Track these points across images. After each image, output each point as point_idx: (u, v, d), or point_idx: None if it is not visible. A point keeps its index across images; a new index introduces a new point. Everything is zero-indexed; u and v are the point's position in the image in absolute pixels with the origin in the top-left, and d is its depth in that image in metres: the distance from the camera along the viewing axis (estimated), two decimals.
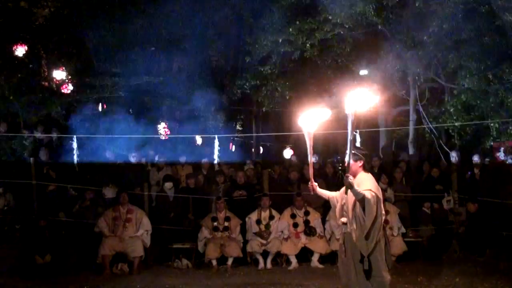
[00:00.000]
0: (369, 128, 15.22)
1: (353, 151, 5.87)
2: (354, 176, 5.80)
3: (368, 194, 5.59)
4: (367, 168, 5.96)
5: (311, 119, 5.85)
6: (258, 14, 15.34)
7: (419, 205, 11.26)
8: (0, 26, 14.83)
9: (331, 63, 14.92)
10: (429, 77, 14.66)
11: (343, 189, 5.84)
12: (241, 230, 10.67)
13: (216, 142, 13.46)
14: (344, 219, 5.89)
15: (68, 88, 16.02)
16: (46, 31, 15.35)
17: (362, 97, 5.60)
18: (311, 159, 6.05)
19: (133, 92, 15.72)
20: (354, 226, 5.73)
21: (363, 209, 5.63)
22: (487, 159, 12.61)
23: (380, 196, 5.74)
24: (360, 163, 5.88)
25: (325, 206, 10.64)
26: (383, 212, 5.77)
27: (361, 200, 5.63)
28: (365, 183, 5.74)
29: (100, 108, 16.72)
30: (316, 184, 6.07)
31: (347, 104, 5.63)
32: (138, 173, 11.93)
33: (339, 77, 15.17)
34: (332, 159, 13.24)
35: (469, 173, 11.72)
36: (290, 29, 14.24)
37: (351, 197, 5.73)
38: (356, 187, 5.62)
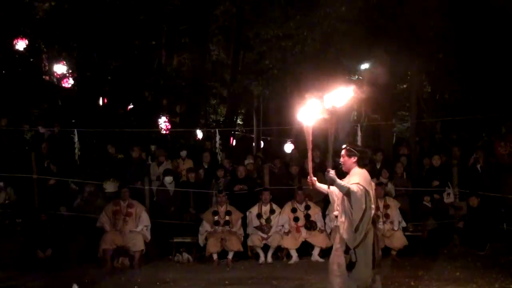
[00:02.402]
0: (369, 122, 15.23)
1: (348, 147, 5.94)
2: (349, 171, 5.88)
3: (354, 187, 5.63)
4: (362, 163, 5.93)
5: (309, 114, 5.85)
6: (259, 9, 15.30)
7: (420, 199, 11.27)
8: (1, 20, 14.79)
9: (332, 58, 14.87)
10: (429, 71, 14.64)
11: None
12: (242, 224, 10.69)
13: (217, 136, 13.44)
14: (336, 213, 5.99)
15: (68, 82, 16.02)
16: (46, 25, 15.31)
17: (340, 95, 5.69)
18: (311, 153, 6.05)
19: (133, 86, 15.70)
20: (343, 219, 5.79)
21: (351, 202, 5.68)
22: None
23: (370, 189, 5.76)
24: (354, 159, 5.89)
25: (325, 200, 10.65)
26: (373, 206, 5.77)
27: (346, 193, 5.68)
28: (355, 177, 5.78)
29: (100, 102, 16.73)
30: (315, 178, 6.08)
31: (325, 103, 5.71)
32: (139, 167, 11.92)
33: (340, 71, 15.15)
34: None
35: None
36: (291, 24, 14.21)
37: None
38: (340, 181, 5.70)
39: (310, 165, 6.08)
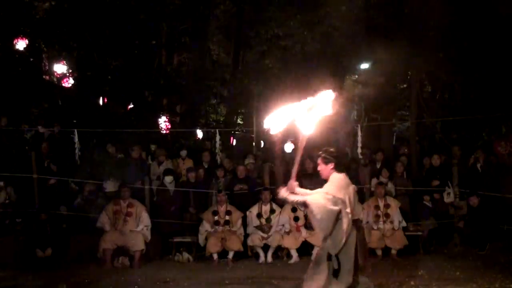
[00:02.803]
0: (369, 122, 15.22)
1: (323, 155, 5.76)
2: (327, 179, 5.71)
3: (310, 199, 5.54)
4: (340, 169, 5.74)
5: (308, 122, 5.67)
6: (259, 8, 15.30)
7: (420, 198, 11.27)
8: (1, 19, 14.79)
9: (332, 57, 14.87)
10: (429, 71, 14.63)
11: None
12: (242, 224, 10.68)
13: (217, 136, 13.44)
14: None
15: (69, 82, 16.02)
16: (47, 24, 15.32)
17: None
18: (299, 158, 5.86)
19: (133, 86, 15.70)
20: None
21: (313, 213, 5.57)
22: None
23: (347, 194, 5.54)
24: (331, 165, 5.71)
25: None
26: (348, 210, 5.51)
27: (304, 206, 5.65)
28: (326, 185, 5.65)
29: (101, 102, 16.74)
30: (297, 183, 5.89)
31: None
32: (139, 167, 11.91)
33: (340, 70, 15.15)
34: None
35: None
36: (291, 23, 14.22)
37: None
38: (293, 197, 5.67)
39: (295, 169, 5.88)
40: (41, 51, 16.11)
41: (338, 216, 5.48)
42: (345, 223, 5.47)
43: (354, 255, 5.57)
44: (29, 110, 15.14)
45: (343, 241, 5.48)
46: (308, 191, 5.87)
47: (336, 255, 5.52)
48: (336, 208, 5.46)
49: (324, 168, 5.76)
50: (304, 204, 5.60)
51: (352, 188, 5.71)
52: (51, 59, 16.22)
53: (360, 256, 5.65)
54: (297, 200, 5.68)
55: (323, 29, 13.89)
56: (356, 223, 5.66)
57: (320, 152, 5.81)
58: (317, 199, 5.53)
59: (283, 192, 5.72)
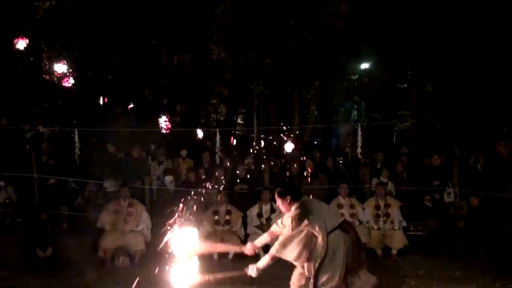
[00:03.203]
0: (370, 122, 15.24)
1: (278, 190, 5.74)
2: (288, 211, 5.69)
3: (273, 250, 5.64)
4: (298, 197, 5.69)
5: (185, 246, 5.89)
6: (260, 8, 15.30)
7: (420, 198, 11.27)
8: (1, 19, 14.80)
9: (332, 57, 14.89)
10: (429, 71, 14.65)
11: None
12: (242, 224, 10.67)
13: (217, 136, 13.43)
14: None
15: (69, 82, 16.04)
16: (47, 24, 15.33)
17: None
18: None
19: (133, 86, 15.71)
20: None
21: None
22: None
23: (305, 220, 5.49)
24: (288, 199, 5.67)
25: (326, 200, 10.64)
26: (317, 229, 5.46)
27: (275, 258, 5.69)
28: (286, 222, 5.65)
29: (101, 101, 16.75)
30: (251, 243, 6.19)
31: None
32: (139, 167, 11.91)
33: (340, 70, 15.17)
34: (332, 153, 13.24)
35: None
36: (291, 23, 14.24)
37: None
38: (262, 264, 5.79)
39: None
40: (41, 50, 16.12)
41: (311, 236, 5.48)
42: (320, 239, 5.45)
43: (343, 257, 5.50)
44: (30, 109, 15.14)
45: (322, 255, 5.44)
46: (265, 237, 6.15)
47: (315, 275, 5.49)
48: (303, 231, 5.47)
49: (282, 203, 5.73)
50: (274, 258, 5.67)
51: (311, 204, 5.67)
52: (51, 58, 16.23)
53: (354, 257, 5.57)
54: (267, 262, 5.74)
55: (323, 29, 13.88)
56: (341, 226, 5.58)
57: (276, 189, 5.80)
58: (281, 243, 5.59)
59: (251, 272, 5.81)
